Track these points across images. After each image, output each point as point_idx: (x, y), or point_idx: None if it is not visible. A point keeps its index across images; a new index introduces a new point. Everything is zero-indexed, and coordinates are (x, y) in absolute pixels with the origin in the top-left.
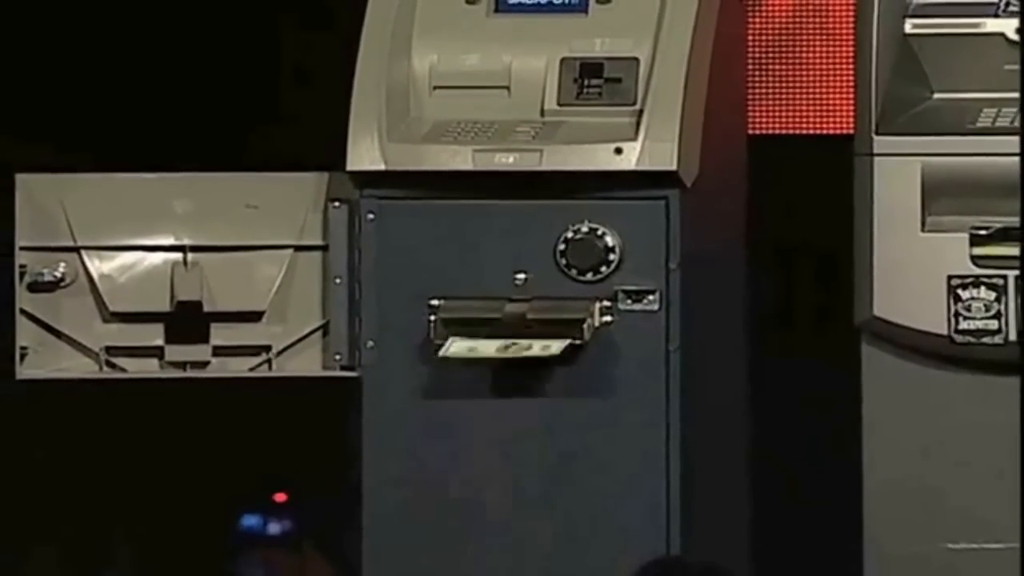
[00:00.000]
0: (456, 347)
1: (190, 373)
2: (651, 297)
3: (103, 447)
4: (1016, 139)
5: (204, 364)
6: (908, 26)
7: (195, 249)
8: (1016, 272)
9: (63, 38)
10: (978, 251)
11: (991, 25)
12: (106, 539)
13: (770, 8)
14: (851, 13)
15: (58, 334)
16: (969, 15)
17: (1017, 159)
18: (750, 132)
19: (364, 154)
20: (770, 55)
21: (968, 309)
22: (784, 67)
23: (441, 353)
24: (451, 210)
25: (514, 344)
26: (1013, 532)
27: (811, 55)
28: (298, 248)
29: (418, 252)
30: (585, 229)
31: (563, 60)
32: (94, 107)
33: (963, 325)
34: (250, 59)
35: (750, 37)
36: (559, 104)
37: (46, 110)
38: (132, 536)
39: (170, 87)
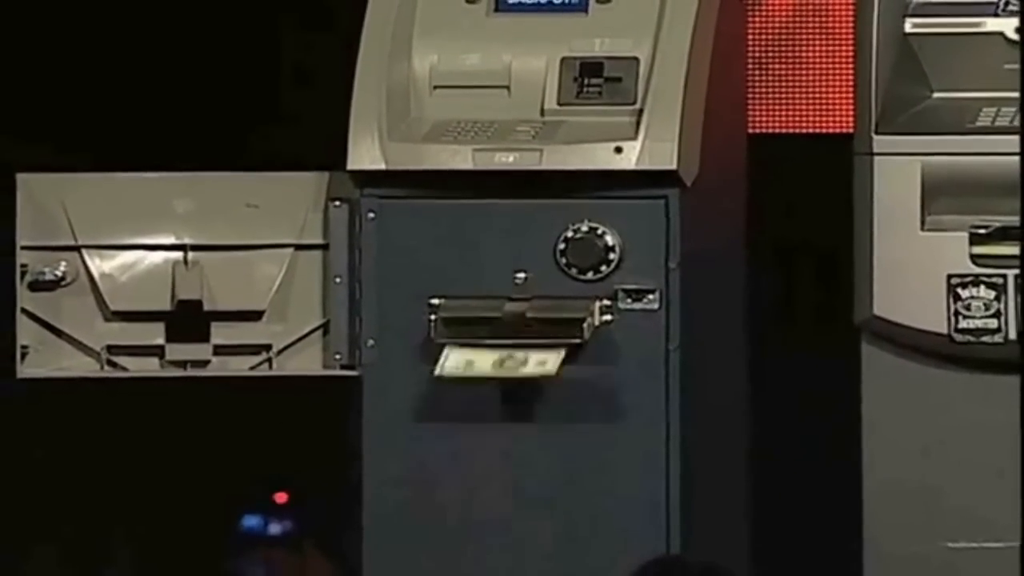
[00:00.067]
0: (452, 361)
1: (191, 372)
2: (651, 296)
3: (104, 446)
4: (1016, 138)
5: (204, 363)
6: (908, 25)
7: (196, 248)
8: (1016, 271)
9: (63, 38)
10: (978, 250)
11: (991, 24)
12: (106, 539)
13: (770, 8)
14: (851, 12)
15: (59, 333)
16: (969, 14)
17: (1017, 158)
18: (750, 131)
19: (364, 153)
20: (770, 54)
21: (968, 308)
22: (784, 66)
23: (437, 372)
24: (451, 209)
25: (510, 358)
26: (1013, 531)
27: (811, 54)
28: (298, 247)
29: (418, 251)
30: (585, 228)
31: (563, 60)
32: (95, 107)
33: (963, 324)
34: (250, 59)
35: (750, 36)
36: (559, 104)
37: (47, 110)
38: (132, 536)
39: (170, 87)
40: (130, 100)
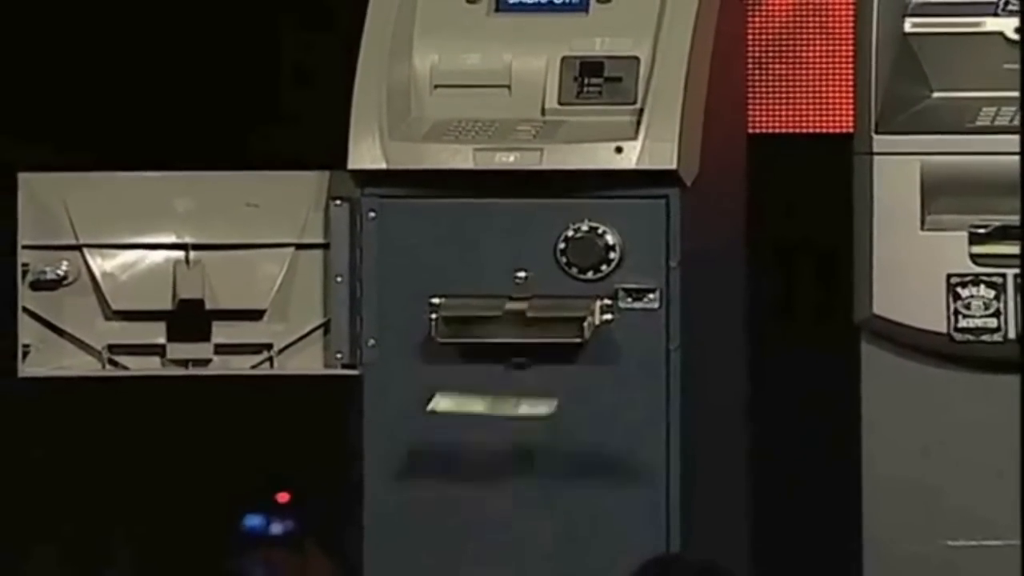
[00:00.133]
0: (444, 404)
1: (192, 371)
2: (651, 296)
3: (105, 445)
4: (1015, 138)
5: (206, 362)
6: (907, 25)
7: (197, 247)
8: (1015, 270)
9: (64, 38)
10: (977, 249)
11: (990, 24)
12: (107, 538)
13: (770, 7)
14: (851, 12)
15: (60, 332)
16: (968, 14)
17: (1016, 158)
18: (750, 131)
19: (365, 153)
20: (770, 54)
21: (967, 307)
22: (784, 66)
23: (430, 407)
24: (452, 209)
25: (504, 403)
26: (1013, 530)
27: (811, 54)
28: (299, 246)
29: (419, 250)
30: (585, 228)
31: (563, 59)
32: (96, 107)
33: (962, 323)
34: (250, 59)
35: (750, 36)
36: (559, 103)
37: (48, 110)
38: (133, 535)
39: (171, 87)
40: (131, 100)
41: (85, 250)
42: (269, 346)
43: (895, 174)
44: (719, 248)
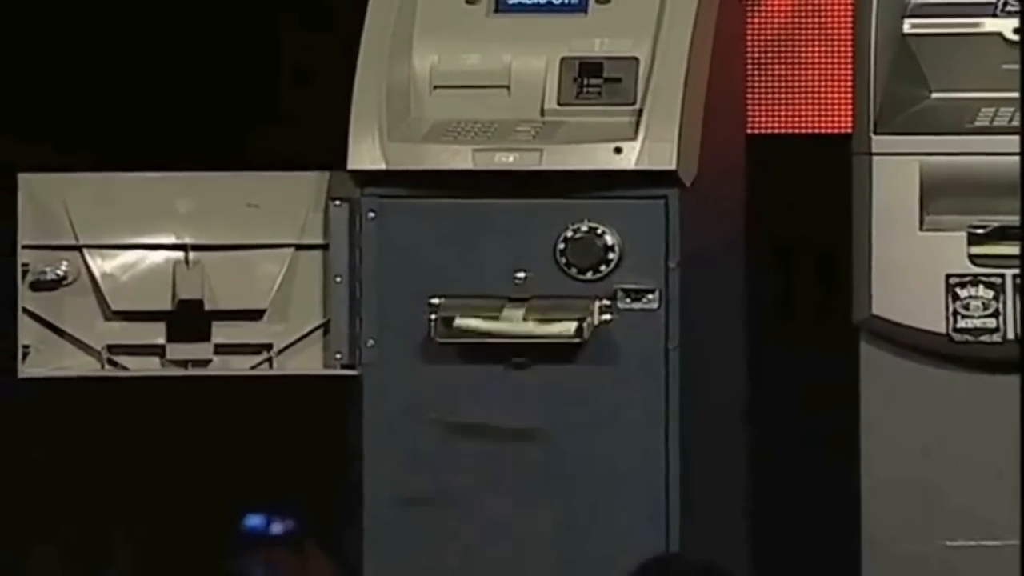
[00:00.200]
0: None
1: (191, 371)
2: (650, 296)
3: (104, 446)
4: (1014, 138)
5: (205, 362)
6: (906, 26)
7: (196, 248)
8: (1014, 271)
9: (63, 38)
10: (976, 250)
11: (989, 25)
12: (107, 538)
13: (769, 8)
14: (850, 13)
15: (60, 332)
16: (967, 15)
17: (1015, 158)
18: (749, 131)
19: (365, 153)
20: (769, 55)
21: (966, 308)
22: (783, 67)
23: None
24: (451, 209)
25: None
26: (1012, 530)
27: (810, 55)
28: (299, 247)
29: (418, 251)
30: (585, 228)
31: (563, 60)
32: (95, 107)
33: (961, 324)
34: (250, 59)
35: (749, 37)
36: (559, 104)
37: (48, 110)
38: (133, 535)
39: (171, 87)
40: (131, 100)
41: (85, 250)
42: (269, 346)
43: (894, 174)
44: (718, 248)
